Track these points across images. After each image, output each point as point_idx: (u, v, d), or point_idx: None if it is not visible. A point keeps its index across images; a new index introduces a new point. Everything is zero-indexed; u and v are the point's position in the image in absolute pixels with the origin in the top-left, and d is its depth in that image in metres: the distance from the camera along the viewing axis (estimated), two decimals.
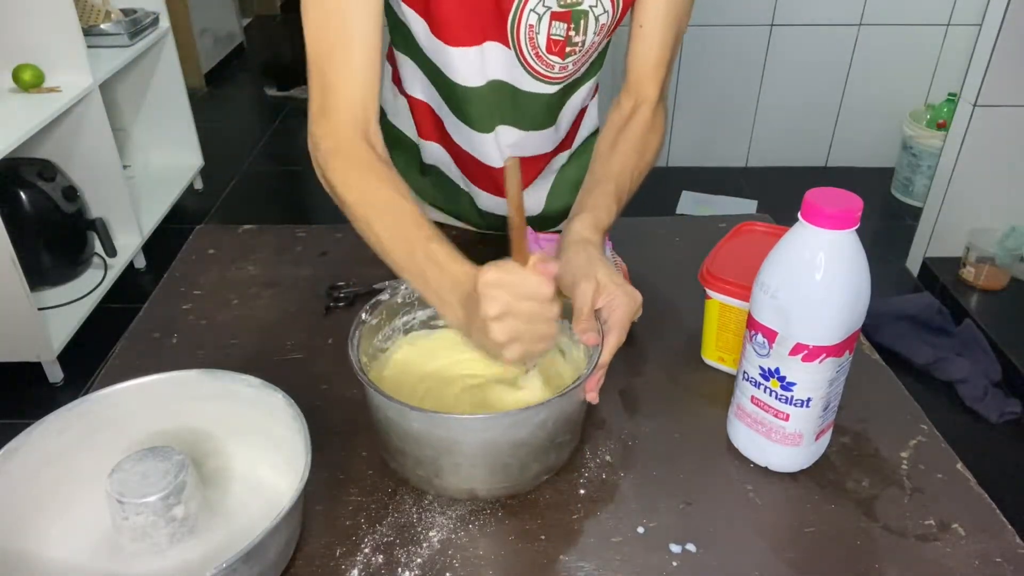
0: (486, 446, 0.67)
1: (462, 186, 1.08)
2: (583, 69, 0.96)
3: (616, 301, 0.73)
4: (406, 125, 1.06)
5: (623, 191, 0.86)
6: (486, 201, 1.07)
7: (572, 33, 0.87)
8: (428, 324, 0.82)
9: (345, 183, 0.79)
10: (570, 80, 0.95)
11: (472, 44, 0.87)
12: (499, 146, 0.98)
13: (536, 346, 0.67)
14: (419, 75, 0.97)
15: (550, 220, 1.12)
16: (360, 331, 0.74)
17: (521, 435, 0.67)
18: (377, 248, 0.76)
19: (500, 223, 1.11)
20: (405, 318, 0.81)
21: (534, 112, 0.96)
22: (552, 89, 0.94)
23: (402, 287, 0.80)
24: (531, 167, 1.04)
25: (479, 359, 0.78)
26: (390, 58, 1.02)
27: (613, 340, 0.72)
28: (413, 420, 0.67)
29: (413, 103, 1.01)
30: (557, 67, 0.91)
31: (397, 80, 1.02)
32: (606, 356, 0.72)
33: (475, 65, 0.89)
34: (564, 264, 0.76)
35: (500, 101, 0.93)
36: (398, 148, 1.09)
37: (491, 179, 1.03)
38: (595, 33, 0.89)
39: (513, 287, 0.64)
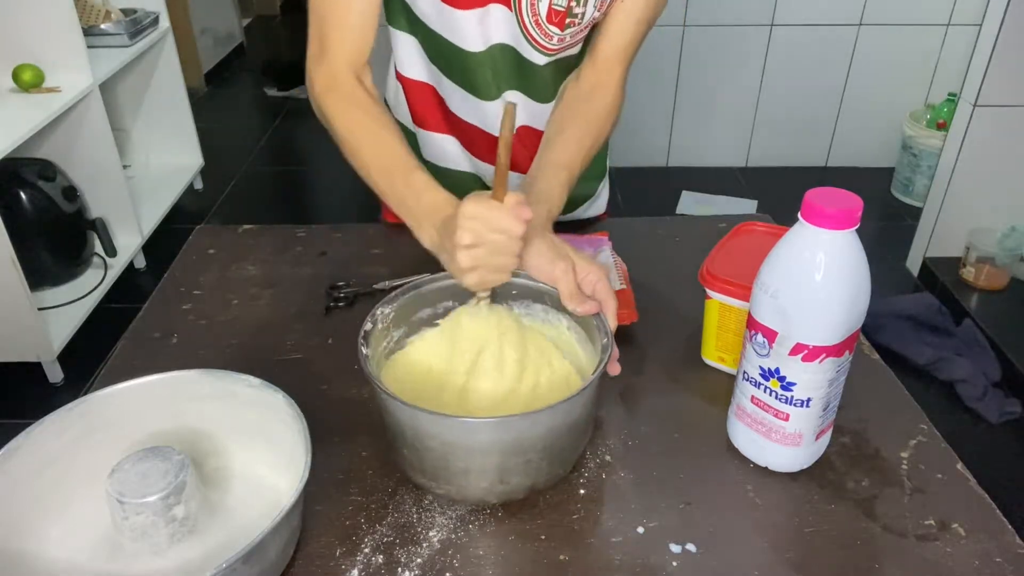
0: (547, 437, 0.67)
1: (468, 169, 1.08)
2: (578, 47, 0.96)
3: (592, 276, 0.76)
4: (405, 117, 1.06)
5: (573, 178, 0.88)
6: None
7: (573, 4, 0.88)
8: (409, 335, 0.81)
9: (338, 115, 0.87)
10: (562, 53, 0.95)
11: (477, 6, 0.88)
12: None
13: (495, 276, 0.73)
14: (419, 52, 0.97)
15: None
16: (367, 345, 0.72)
17: (570, 420, 0.68)
18: (364, 174, 0.85)
19: None
20: (403, 328, 0.80)
21: (536, 81, 0.97)
22: (545, 60, 0.94)
23: (399, 297, 0.78)
24: (535, 140, 1.04)
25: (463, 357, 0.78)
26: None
27: (613, 304, 0.75)
28: (452, 429, 0.65)
29: (411, 86, 1.01)
30: (555, 38, 0.92)
31: (403, 79, 1.03)
32: (613, 322, 0.74)
33: (478, 29, 0.90)
34: (532, 253, 0.77)
35: (503, 66, 0.94)
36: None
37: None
38: (595, 7, 0.89)
39: (488, 220, 0.69)
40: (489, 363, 0.76)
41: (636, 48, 0.95)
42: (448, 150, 1.05)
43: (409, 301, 0.79)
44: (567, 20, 0.89)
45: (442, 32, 0.91)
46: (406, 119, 1.06)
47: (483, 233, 0.69)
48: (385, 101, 1.08)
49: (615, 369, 0.75)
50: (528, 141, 1.02)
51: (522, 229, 0.70)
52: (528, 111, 0.99)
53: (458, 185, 1.09)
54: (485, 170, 1.07)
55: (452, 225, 0.71)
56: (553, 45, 0.92)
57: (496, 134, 1.00)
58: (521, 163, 1.04)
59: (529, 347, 0.79)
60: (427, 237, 0.78)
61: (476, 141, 1.03)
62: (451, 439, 0.66)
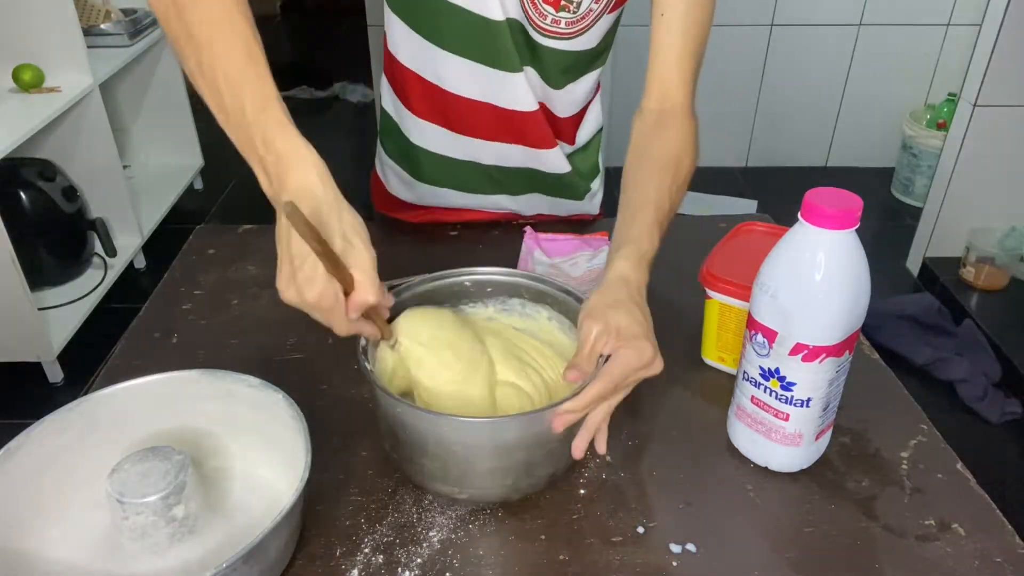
0: (532, 439, 0.66)
1: (461, 157, 1.06)
2: (582, 40, 0.95)
3: (619, 353, 0.68)
4: (397, 106, 1.05)
5: (663, 214, 0.81)
6: (501, 152, 1.05)
7: None
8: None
9: (196, 4, 0.68)
10: (566, 40, 0.94)
11: None
12: (531, 88, 0.97)
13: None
14: (416, 38, 0.96)
15: (571, 187, 1.12)
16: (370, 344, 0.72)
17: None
18: (203, 78, 0.68)
19: (505, 177, 1.09)
20: None
21: (545, 62, 0.96)
22: (551, 44, 0.94)
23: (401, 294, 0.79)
24: (551, 119, 1.03)
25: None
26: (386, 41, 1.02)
27: (594, 390, 0.66)
28: (458, 429, 0.65)
29: (406, 74, 1.00)
30: (549, 19, 0.91)
31: (390, 62, 1.02)
32: (578, 401, 0.65)
33: None
34: (592, 297, 0.72)
35: (518, 41, 0.93)
36: (390, 136, 1.09)
37: (519, 124, 1.01)
38: None
39: (311, 287, 0.62)
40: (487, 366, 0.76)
41: (693, 62, 0.88)
42: (439, 140, 1.05)
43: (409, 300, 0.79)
44: (561, 3, 0.89)
45: (467, 4, 0.90)
46: (397, 109, 1.06)
47: (301, 283, 0.62)
48: (382, 106, 1.09)
49: (576, 452, 0.69)
50: (548, 117, 1.02)
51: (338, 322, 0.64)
52: (541, 90, 0.99)
53: (453, 173, 1.08)
54: (482, 153, 1.05)
55: (289, 265, 0.62)
56: (547, 25, 0.92)
57: (516, 108, 0.99)
58: (540, 140, 1.03)
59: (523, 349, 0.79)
60: (265, 183, 0.66)
61: (486, 119, 1.00)
62: (423, 427, 0.66)
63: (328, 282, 0.62)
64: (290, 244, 0.62)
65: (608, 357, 0.68)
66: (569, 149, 1.09)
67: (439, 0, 0.91)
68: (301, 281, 0.62)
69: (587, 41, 0.96)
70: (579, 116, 1.06)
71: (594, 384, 0.66)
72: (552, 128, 1.04)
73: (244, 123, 0.66)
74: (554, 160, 1.06)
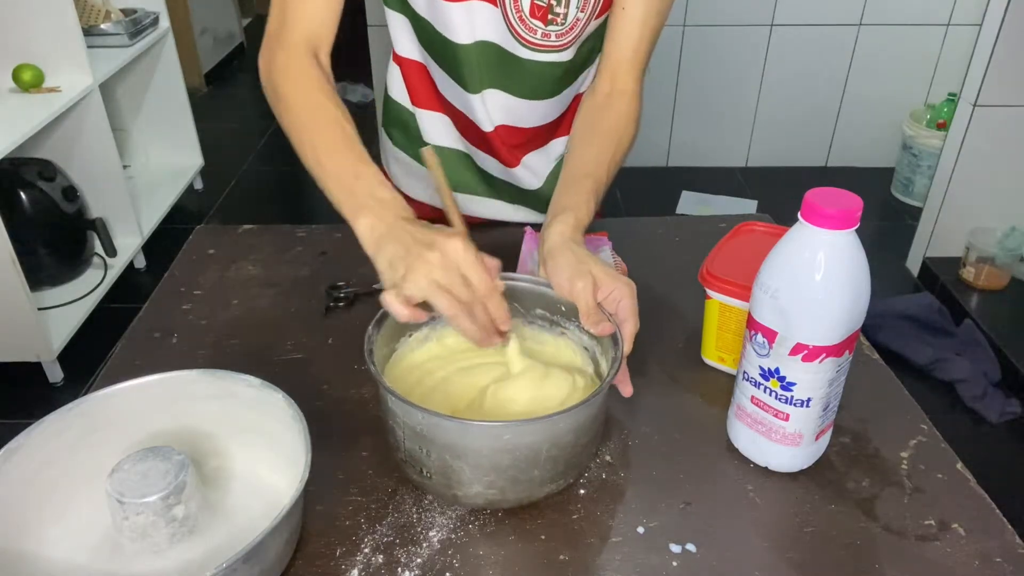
0: (567, 435, 0.67)
1: (460, 148, 1.08)
2: (573, 49, 0.96)
3: (617, 293, 0.74)
4: (404, 98, 1.06)
5: (600, 185, 0.87)
6: (485, 162, 1.07)
7: (554, 3, 0.89)
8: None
9: (295, 91, 0.87)
10: (553, 54, 0.95)
11: (461, 0, 0.88)
12: (487, 109, 0.98)
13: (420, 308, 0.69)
14: (411, 33, 0.98)
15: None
16: (374, 354, 0.71)
17: (584, 420, 0.68)
18: (309, 152, 0.83)
19: (502, 188, 1.11)
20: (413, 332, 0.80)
21: (526, 80, 0.97)
22: (540, 57, 0.94)
23: None
24: (523, 137, 1.04)
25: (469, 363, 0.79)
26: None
27: (630, 329, 0.74)
28: (505, 433, 0.64)
29: (406, 65, 1.02)
30: (539, 33, 0.92)
31: (395, 56, 1.03)
32: (628, 346, 0.74)
33: (465, 21, 0.90)
34: (553, 268, 0.77)
35: (488, 63, 0.94)
36: (398, 127, 1.09)
37: (483, 141, 1.03)
38: (578, 8, 0.90)
39: (463, 266, 0.68)
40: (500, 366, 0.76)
41: (646, 53, 0.94)
42: (441, 129, 1.06)
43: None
44: (549, 16, 0.90)
45: (431, 21, 0.92)
46: (404, 99, 1.06)
47: (453, 275, 0.67)
48: (386, 87, 1.09)
49: (627, 391, 0.76)
50: (509, 139, 1.03)
51: (488, 291, 0.69)
52: (507, 108, 0.99)
53: (450, 163, 1.09)
54: (474, 150, 1.07)
55: (424, 239, 0.68)
56: (537, 40, 0.92)
57: (480, 127, 1.01)
58: (506, 158, 1.04)
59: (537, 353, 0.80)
60: (367, 227, 0.74)
61: (462, 124, 1.03)
62: (467, 443, 0.65)
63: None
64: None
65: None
66: (562, 151, 1.09)
67: (418, 14, 0.93)
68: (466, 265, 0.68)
69: (578, 49, 0.96)
70: (570, 114, 1.06)
71: (627, 326, 0.74)
72: (526, 143, 1.04)
73: (345, 181, 0.78)
74: (523, 176, 1.08)
